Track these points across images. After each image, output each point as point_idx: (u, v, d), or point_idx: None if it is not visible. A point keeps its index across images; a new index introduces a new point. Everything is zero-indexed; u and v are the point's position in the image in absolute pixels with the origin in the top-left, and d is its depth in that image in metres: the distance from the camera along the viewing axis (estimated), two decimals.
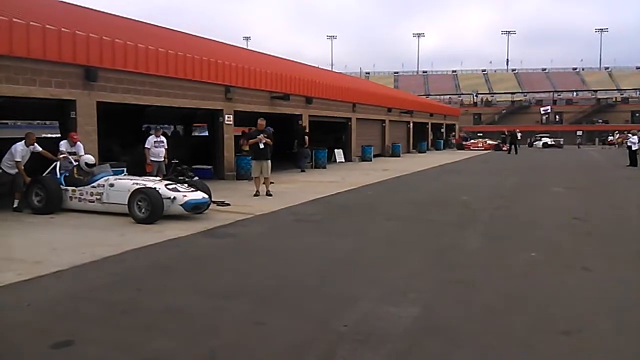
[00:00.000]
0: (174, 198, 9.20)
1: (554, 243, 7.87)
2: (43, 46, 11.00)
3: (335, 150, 26.97)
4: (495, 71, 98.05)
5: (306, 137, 21.18)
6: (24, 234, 8.31)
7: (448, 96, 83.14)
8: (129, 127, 23.04)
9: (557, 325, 4.47)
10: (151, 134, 13.83)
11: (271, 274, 6.13)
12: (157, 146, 13.32)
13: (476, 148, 43.69)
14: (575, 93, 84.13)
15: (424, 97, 69.11)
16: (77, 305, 4.99)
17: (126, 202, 9.26)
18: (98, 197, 9.91)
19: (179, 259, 7.00)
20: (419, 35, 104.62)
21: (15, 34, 10.47)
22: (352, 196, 13.43)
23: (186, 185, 10.00)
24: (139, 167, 14.36)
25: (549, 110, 72.48)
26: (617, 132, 54.63)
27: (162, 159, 13.35)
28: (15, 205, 10.20)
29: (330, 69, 71.05)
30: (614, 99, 78.65)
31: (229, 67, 17.36)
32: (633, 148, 24.42)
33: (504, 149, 41.66)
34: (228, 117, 17.40)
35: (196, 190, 9.74)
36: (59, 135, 20.89)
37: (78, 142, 11.28)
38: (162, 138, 13.64)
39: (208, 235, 8.38)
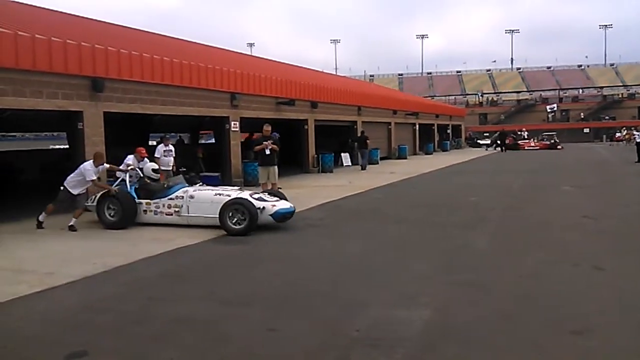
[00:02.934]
0: (263, 208, 9.01)
1: (564, 242, 7.84)
2: (49, 58, 11.07)
3: (342, 154, 26.96)
4: (500, 70, 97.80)
5: (367, 141, 24.71)
6: (35, 245, 8.35)
7: (453, 97, 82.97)
8: (136, 136, 23.15)
9: (568, 326, 4.45)
10: (160, 143, 13.88)
11: (282, 280, 6.14)
12: (166, 155, 13.36)
13: (530, 148, 43.46)
14: (581, 90, 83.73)
15: (429, 98, 69.01)
16: (89, 315, 5.02)
17: (208, 215, 9.18)
18: (177, 209, 9.59)
19: (189, 267, 7.02)
20: (422, 36, 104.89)
21: (20, 46, 10.54)
22: (360, 199, 13.42)
23: (266, 194, 9.82)
24: None
25: (555, 108, 72.22)
26: (624, 128, 54.30)
27: (171, 168, 13.38)
28: (71, 224, 9.53)
29: (334, 72, 71.23)
30: (620, 96, 78.23)
31: (234, 74, 17.42)
32: None
33: (559, 147, 42.37)
34: (234, 124, 17.45)
35: (280, 200, 9.62)
36: (68, 146, 21.07)
37: (145, 158, 11.03)
38: (171, 147, 13.69)
39: (218, 243, 8.40)
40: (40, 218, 9.80)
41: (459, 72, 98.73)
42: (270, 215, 9.02)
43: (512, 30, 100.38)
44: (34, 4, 15.78)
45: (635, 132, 26.11)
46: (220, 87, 16.61)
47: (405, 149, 33.30)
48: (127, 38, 16.32)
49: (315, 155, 23.10)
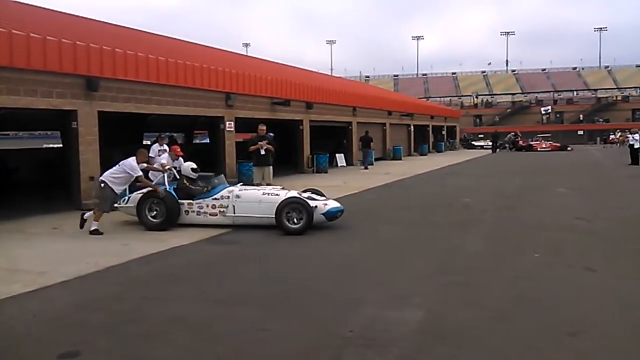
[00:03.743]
0: (316, 207, 8.99)
1: (558, 244, 7.87)
2: (44, 57, 11.03)
3: (337, 155, 26.98)
4: (495, 72, 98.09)
5: (372, 143, 26.12)
6: (28, 245, 8.31)
7: (448, 98, 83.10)
8: (130, 135, 23.08)
9: (563, 327, 4.46)
10: (156, 142, 13.82)
11: (276, 280, 6.13)
12: (160, 154, 13.30)
13: (542, 149, 43.82)
14: (575, 92, 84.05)
15: (424, 99, 69.16)
16: (82, 315, 5.00)
17: (256, 214, 9.19)
18: (222, 209, 9.41)
19: (183, 267, 7.00)
20: (418, 38, 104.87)
21: (15, 45, 10.51)
22: (355, 200, 13.41)
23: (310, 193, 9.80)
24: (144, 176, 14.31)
25: (549, 110, 72.48)
26: (618, 130, 54.65)
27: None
28: (93, 228, 8.96)
29: (330, 73, 71.18)
30: (614, 98, 78.57)
31: (229, 74, 17.40)
32: (635, 146, 24.42)
33: (569, 149, 43.30)
34: (229, 124, 17.44)
35: (328, 199, 9.64)
36: (62, 145, 20.99)
37: (180, 157, 10.78)
38: (166, 146, 13.62)
39: (211, 243, 8.39)
40: (86, 216, 9.25)
41: (454, 73, 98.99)
42: (322, 214, 9.06)
43: (508, 32, 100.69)
44: (28, 3, 15.71)
45: (629, 135, 26.23)
46: (215, 87, 16.60)
47: (400, 150, 33.36)
48: (122, 37, 16.28)
49: (310, 156, 23.11)
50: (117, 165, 9.33)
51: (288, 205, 8.88)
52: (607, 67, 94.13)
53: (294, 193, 9.34)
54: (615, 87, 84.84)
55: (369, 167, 25.09)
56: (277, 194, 9.31)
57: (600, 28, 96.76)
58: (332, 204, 9.32)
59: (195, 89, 15.68)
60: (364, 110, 28.85)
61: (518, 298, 5.31)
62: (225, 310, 5.07)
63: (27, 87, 10.90)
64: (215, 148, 18.08)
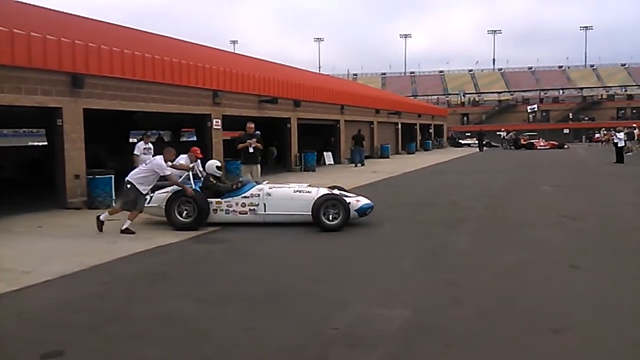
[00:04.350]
0: (349, 203, 9.11)
1: (543, 241, 7.93)
2: (28, 54, 10.90)
3: (325, 153, 26.99)
4: (482, 71, 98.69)
5: (363, 142, 26.74)
6: (12, 244, 8.23)
7: (436, 96, 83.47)
8: (116, 133, 22.95)
9: (547, 324, 4.49)
10: (140, 140, 13.74)
11: (263, 279, 6.12)
12: (145, 153, 13.21)
13: (542, 147, 44.46)
14: (561, 91, 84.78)
15: (412, 97, 69.38)
16: (67, 314, 4.96)
17: (288, 212, 9.28)
18: (252, 208, 9.35)
19: (169, 265, 6.96)
20: (405, 36, 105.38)
21: None
22: None
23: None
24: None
25: (535, 109, 73.03)
26: (603, 129, 55.28)
27: None
28: (125, 227, 8.78)
29: (318, 71, 71.21)
30: (599, 97, 79.37)
31: (217, 72, 17.32)
32: (619, 145, 24.67)
33: (566, 147, 44.52)
34: (216, 122, 17.37)
35: (358, 195, 9.71)
36: (47, 143, 20.80)
37: (199, 160, 10.49)
38: (150, 145, 13.53)
39: (199, 241, 8.35)
40: (102, 218, 8.98)
41: (442, 72, 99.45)
42: (355, 210, 9.15)
43: (495, 31, 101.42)
44: None
45: (615, 133, 26.50)
46: (202, 84, 16.51)
47: (387, 148, 33.43)
48: (108, 34, 16.13)
49: (298, 154, 23.09)
50: (144, 165, 9.21)
51: (326, 202, 9.00)
52: (593, 66, 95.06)
53: (325, 190, 9.48)
54: (601, 85, 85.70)
55: (359, 165, 25.23)
56: (308, 191, 9.46)
57: (586, 27, 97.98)
58: (364, 201, 9.45)
59: (182, 86, 15.59)
60: (351, 109, 28.87)
61: (504, 295, 5.35)
62: (212, 309, 5.05)
63: (11, 84, 10.76)
64: (203, 146, 17.98)
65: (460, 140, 55.95)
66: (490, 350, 4.05)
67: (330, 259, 7.10)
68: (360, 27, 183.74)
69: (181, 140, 32.45)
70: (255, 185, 9.76)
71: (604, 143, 46.14)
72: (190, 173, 9.68)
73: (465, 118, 78.34)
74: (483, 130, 48.89)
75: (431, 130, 48.23)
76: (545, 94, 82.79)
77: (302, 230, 8.92)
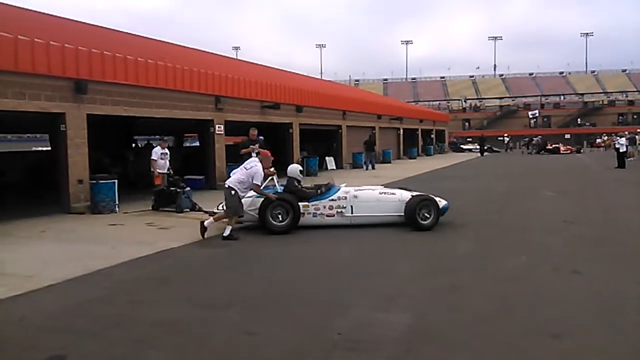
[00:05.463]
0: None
1: (544, 246, 7.93)
2: (32, 60, 10.98)
3: (327, 158, 27.02)
4: (483, 77, 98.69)
5: (375, 146, 27.69)
6: (15, 248, 8.26)
7: (437, 102, 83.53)
8: (119, 138, 23.02)
9: (547, 329, 4.50)
10: (156, 145, 13.77)
11: (264, 283, 6.14)
12: (163, 158, 13.22)
13: (564, 152, 44.80)
14: (562, 97, 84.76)
15: (413, 103, 69.45)
16: (69, 319, 4.98)
17: (375, 213, 9.61)
18: (339, 210, 9.57)
19: (171, 270, 6.98)
20: (407, 42, 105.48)
21: (3, 47, 10.45)
22: None
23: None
24: (145, 179, 14.23)
25: (536, 114, 73.02)
26: (604, 134, 55.27)
27: (167, 171, 13.25)
28: (227, 233, 8.65)
29: (320, 77, 71.28)
30: (600, 102, 79.34)
31: (219, 78, 17.39)
32: (621, 150, 24.68)
33: (582, 151, 45.82)
34: (219, 127, 17.43)
35: (436, 196, 9.91)
36: (50, 148, 20.85)
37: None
38: (167, 150, 13.53)
39: (200, 246, 8.37)
40: (206, 224, 8.83)
41: (443, 77, 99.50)
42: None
43: (495, 37, 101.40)
44: (16, 5, 15.62)
45: (616, 138, 26.50)
46: (205, 90, 16.59)
47: (389, 154, 33.45)
48: (112, 40, 16.22)
49: (300, 159, 23.11)
50: (244, 169, 8.99)
51: (420, 203, 9.39)
52: (594, 71, 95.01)
53: (407, 192, 9.88)
54: (602, 91, 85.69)
55: (369, 169, 26.05)
56: (393, 193, 9.89)
57: (587, 33, 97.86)
58: (443, 202, 9.83)
59: (185, 92, 15.66)
60: (353, 114, 28.93)
61: (504, 300, 5.35)
62: (213, 314, 5.07)
63: (15, 89, 10.84)
64: (206, 151, 18.05)
65: (461, 146, 56.05)
66: (491, 354, 4.06)
67: (331, 263, 7.11)
68: (362, 34, 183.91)
69: (184, 145, 32.47)
70: (340, 189, 9.87)
71: (605, 148, 46.19)
72: (275, 177, 9.77)
73: (466, 123, 78.37)
74: (484, 136, 49.10)
75: (433, 136, 48.28)
76: (546, 99, 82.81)
77: (303, 234, 8.94)
